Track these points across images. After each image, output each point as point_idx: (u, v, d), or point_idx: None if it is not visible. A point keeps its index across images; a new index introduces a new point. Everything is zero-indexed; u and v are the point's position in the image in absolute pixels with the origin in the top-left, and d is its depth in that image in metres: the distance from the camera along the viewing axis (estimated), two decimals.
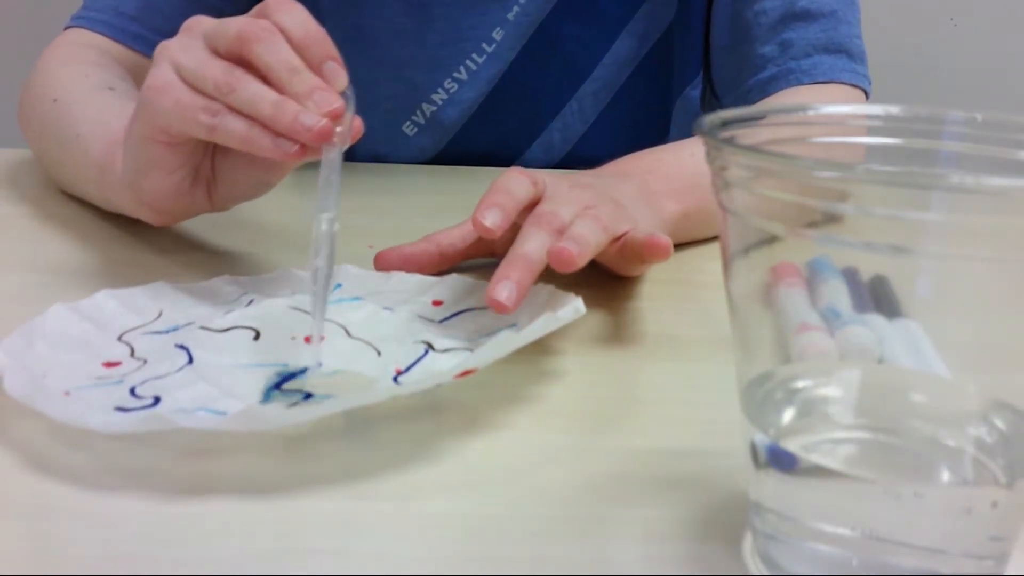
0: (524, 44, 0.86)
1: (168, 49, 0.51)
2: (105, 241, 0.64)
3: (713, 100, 0.90)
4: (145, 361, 0.44)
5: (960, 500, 0.29)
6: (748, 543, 0.33)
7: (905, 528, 0.29)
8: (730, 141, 0.31)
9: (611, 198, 0.55)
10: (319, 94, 0.47)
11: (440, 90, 0.87)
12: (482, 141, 0.89)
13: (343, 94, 0.49)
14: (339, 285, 0.54)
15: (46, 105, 0.71)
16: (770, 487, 0.31)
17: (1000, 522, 0.29)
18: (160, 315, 0.49)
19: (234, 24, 0.49)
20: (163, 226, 0.60)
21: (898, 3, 1.55)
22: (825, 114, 0.34)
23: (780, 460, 0.30)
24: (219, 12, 0.82)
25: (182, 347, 0.45)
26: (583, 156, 0.86)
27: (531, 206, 0.52)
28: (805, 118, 0.34)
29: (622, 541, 0.34)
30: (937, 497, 0.29)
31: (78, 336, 0.46)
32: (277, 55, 0.48)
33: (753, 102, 0.80)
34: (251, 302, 0.51)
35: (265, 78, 0.48)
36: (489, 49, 0.86)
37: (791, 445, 0.30)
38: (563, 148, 0.90)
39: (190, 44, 0.50)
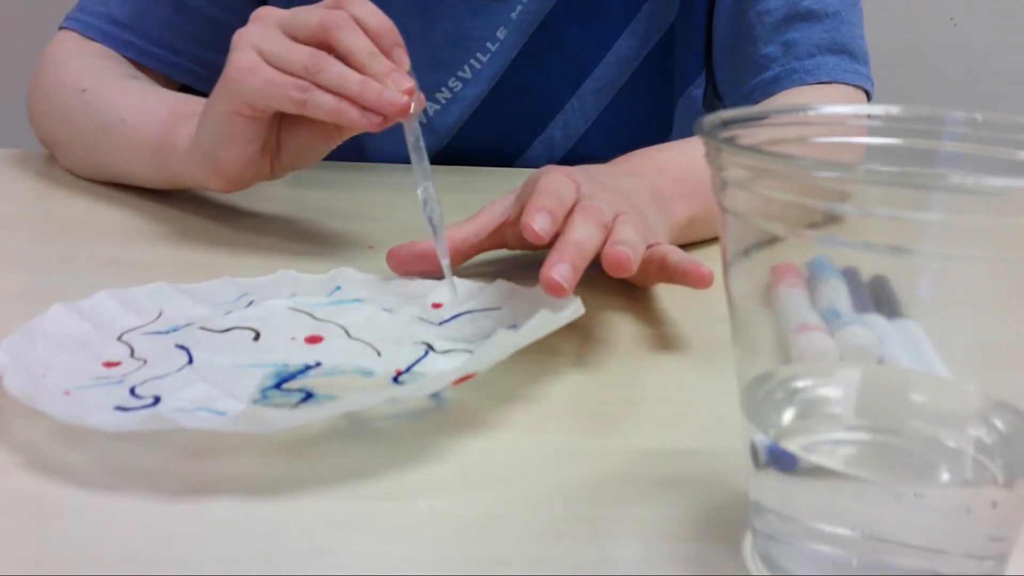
0: (525, 42, 0.86)
1: (247, 36, 0.57)
2: (105, 241, 0.64)
3: (715, 100, 0.90)
4: (145, 361, 0.44)
5: (960, 500, 0.29)
6: (748, 543, 0.33)
7: (905, 528, 0.29)
8: (730, 141, 0.31)
9: (636, 206, 0.55)
10: (395, 75, 0.55)
11: (444, 89, 0.87)
12: (483, 139, 0.89)
13: (409, 74, 0.57)
14: (338, 287, 0.54)
15: (73, 95, 0.75)
16: (770, 487, 0.31)
17: (1000, 522, 0.29)
18: (160, 315, 0.49)
19: (314, 14, 0.57)
20: (228, 193, 0.66)
21: (898, 3, 1.55)
22: (825, 114, 0.34)
23: (780, 460, 0.30)
24: (213, 20, 0.85)
25: (182, 347, 0.45)
26: (585, 155, 0.86)
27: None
28: (805, 118, 0.34)
29: (622, 541, 0.34)
30: (937, 497, 0.29)
31: (78, 336, 0.46)
32: (356, 41, 0.56)
33: (756, 102, 0.80)
34: (251, 303, 0.51)
35: (345, 61, 0.56)
36: (493, 48, 0.86)
37: (791, 445, 0.30)
38: (564, 146, 0.90)
39: (268, 32, 0.57)
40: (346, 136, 0.61)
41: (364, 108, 0.55)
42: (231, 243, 0.64)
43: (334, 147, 0.62)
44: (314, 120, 0.58)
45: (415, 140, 0.56)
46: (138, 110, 0.71)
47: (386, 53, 0.56)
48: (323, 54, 0.56)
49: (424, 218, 0.54)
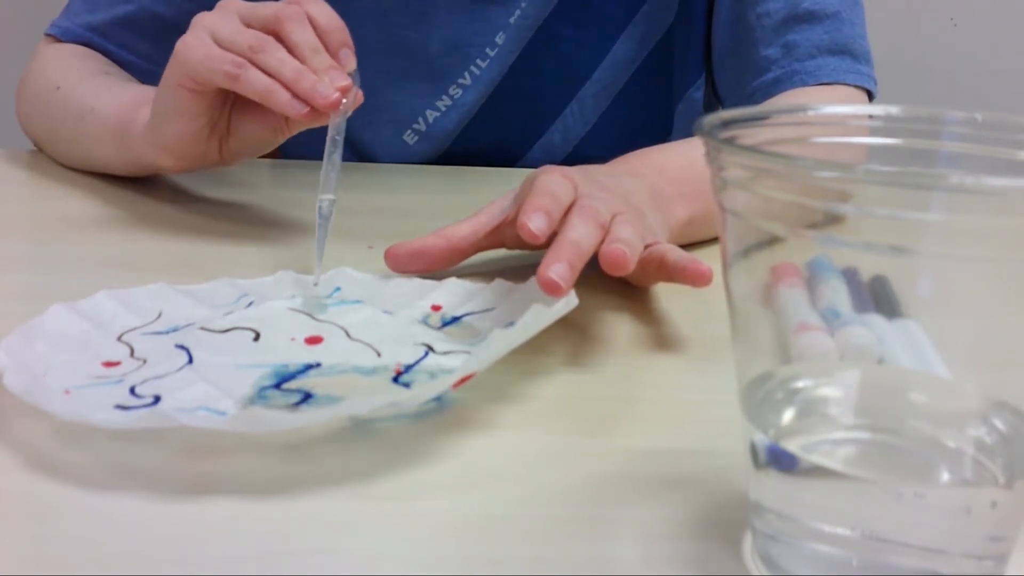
0: (524, 47, 0.86)
1: (205, 18, 0.61)
2: (105, 241, 0.64)
3: (715, 102, 0.90)
4: (145, 361, 0.44)
5: (960, 500, 0.29)
6: (748, 543, 0.33)
7: (905, 528, 0.29)
8: (730, 141, 0.31)
9: (634, 206, 0.55)
10: (333, 72, 0.59)
11: (444, 96, 0.87)
12: (482, 144, 0.89)
13: (351, 74, 0.61)
14: (338, 288, 0.54)
15: (49, 94, 0.79)
16: (770, 487, 0.31)
17: (1000, 522, 0.29)
18: (160, 316, 0.49)
19: (271, 6, 0.60)
20: (178, 172, 0.71)
21: (898, 3, 1.55)
22: (825, 114, 0.34)
23: (780, 460, 0.30)
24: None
25: (182, 347, 0.45)
26: (584, 158, 0.86)
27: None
28: (805, 118, 0.34)
29: (622, 541, 0.34)
30: (937, 497, 0.29)
31: (78, 336, 0.46)
32: (304, 35, 0.59)
33: (757, 104, 0.80)
34: (251, 304, 0.51)
35: (291, 53, 0.59)
36: (492, 53, 0.86)
37: (791, 445, 0.30)
38: (564, 150, 0.90)
39: (226, 17, 0.61)
40: (295, 130, 0.63)
41: (295, 95, 0.58)
42: (230, 243, 0.64)
43: (282, 139, 0.65)
44: (264, 108, 0.61)
45: (335, 134, 0.59)
46: (106, 98, 0.73)
47: (333, 52, 0.60)
48: (270, 39, 0.59)
49: (317, 208, 0.56)
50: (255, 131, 0.64)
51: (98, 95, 0.75)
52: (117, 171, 0.75)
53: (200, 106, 0.62)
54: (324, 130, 0.60)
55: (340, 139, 0.59)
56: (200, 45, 0.59)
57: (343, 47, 0.61)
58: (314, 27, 0.60)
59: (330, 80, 0.58)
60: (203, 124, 0.63)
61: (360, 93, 0.61)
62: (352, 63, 0.61)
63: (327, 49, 0.60)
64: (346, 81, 0.59)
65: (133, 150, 0.69)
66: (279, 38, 0.59)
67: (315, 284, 0.54)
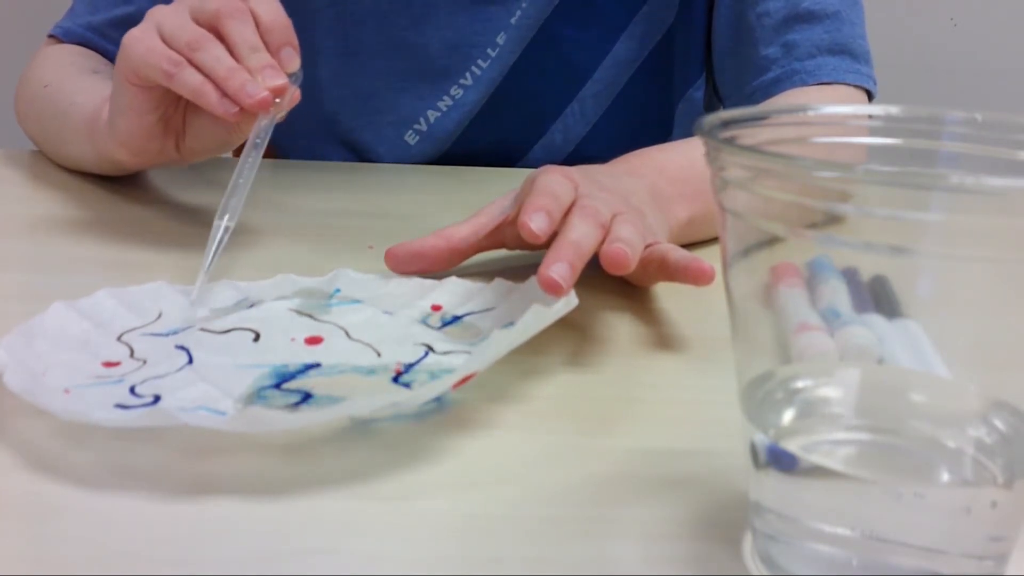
0: (524, 47, 0.86)
1: (157, 12, 0.60)
2: (105, 241, 0.64)
3: (716, 102, 0.90)
4: (145, 361, 0.44)
5: (960, 500, 0.29)
6: (748, 543, 0.33)
7: (905, 528, 0.29)
8: (730, 141, 0.31)
9: (634, 206, 0.55)
10: (269, 71, 0.58)
11: (445, 97, 0.87)
12: (483, 144, 0.89)
13: (292, 75, 0.59)
14: (338, 290, 0.54)
15: (39, 92, 0.80)
16: (770, 487, 0.31)
17: (999, 522, 0.29)
18: (160, 316, 0.49)
19: (215, 1, 0.59)
20: (137, 168, 0.71)
21: (898, 3, 1.55)
22: (825, 114, 0.34)
23: (780, 460, 0.30)
24: None
25: (182, 348, 0.45)
26: (586, 158, 0.86)
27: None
28: (805, 118, 0.34)
29: (622, 541, 0.34)
30: (937, 497, 0.29)
31: (78, 335, 0.46)
32: (243, 33, 0.58)
33: (757, 103, 0.80)
34: (251, 305, 0.51)
35: (230, 51, 0.58)
36: (493, 54, 0.86)
37: (791, 445, 0.30)
38: (565, 150, 0.90)
39: (176, 11, 0.60)
40: (247, 130, 0.61)
41: (225, 95, 0.56)
42: (231, 244, 0.64)
43: (239, 139, 0.63)
44: None
45: (256, 137, 0.58)
46: (88, 94, 0.73)
47: (274, 51, 0.59)
48: (209, 36, 0.58)
49: (218, 216, 0.55)
50: (210, 130, 0.63)
51: (82, 91, 0.74)
52: (93, 168, 0.75)
53: (149, 102, 0.61)
54: (322, 127, 0.59)
55: (262, 144, 0.58)
56: (144, 39, 0.59)
57: (286, 46, 0.60)
58: (257, 24, 0.59)
59: (263, 79, 0.57)
60: (155, 120, 0.62)
61: (297, 93, 0.60)
62: (294, 64, 0.60)
63: (268, 48, 0.59)
64: (280, 81, 0.57)
65: (98, 144, 0.69)
66: (221, 35, 0.58)
67: (191, 303, 0.51)
